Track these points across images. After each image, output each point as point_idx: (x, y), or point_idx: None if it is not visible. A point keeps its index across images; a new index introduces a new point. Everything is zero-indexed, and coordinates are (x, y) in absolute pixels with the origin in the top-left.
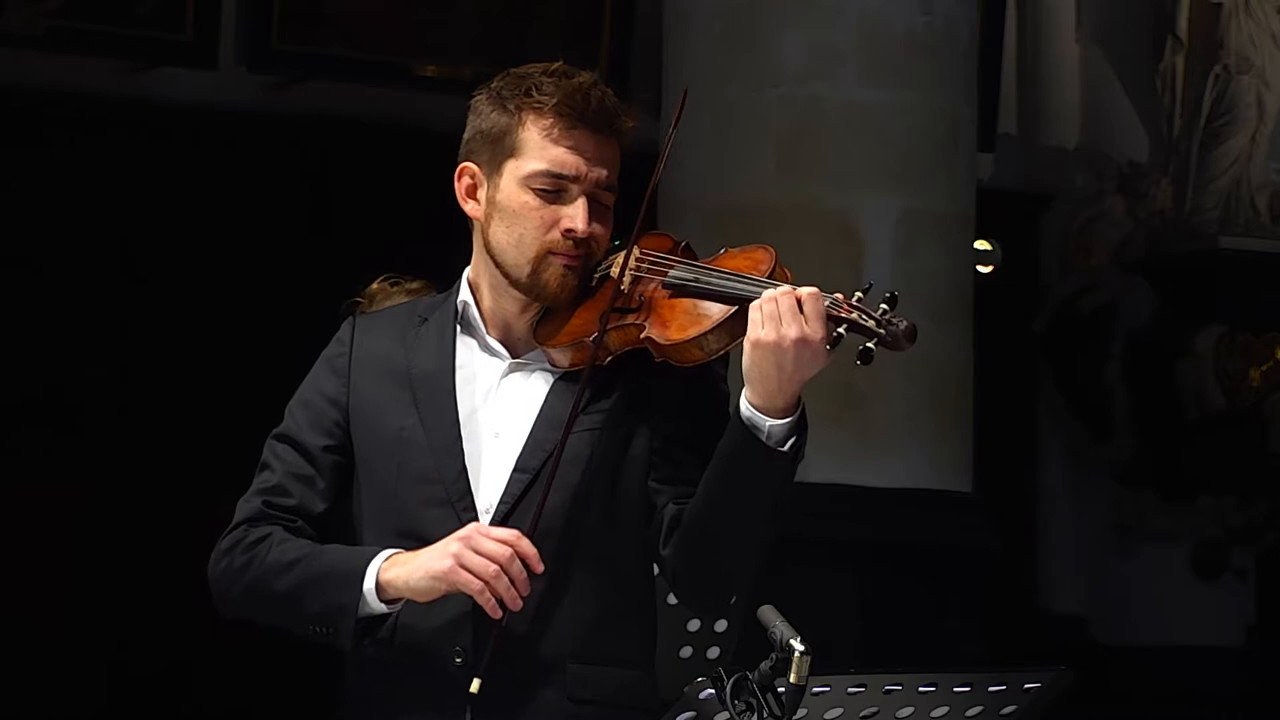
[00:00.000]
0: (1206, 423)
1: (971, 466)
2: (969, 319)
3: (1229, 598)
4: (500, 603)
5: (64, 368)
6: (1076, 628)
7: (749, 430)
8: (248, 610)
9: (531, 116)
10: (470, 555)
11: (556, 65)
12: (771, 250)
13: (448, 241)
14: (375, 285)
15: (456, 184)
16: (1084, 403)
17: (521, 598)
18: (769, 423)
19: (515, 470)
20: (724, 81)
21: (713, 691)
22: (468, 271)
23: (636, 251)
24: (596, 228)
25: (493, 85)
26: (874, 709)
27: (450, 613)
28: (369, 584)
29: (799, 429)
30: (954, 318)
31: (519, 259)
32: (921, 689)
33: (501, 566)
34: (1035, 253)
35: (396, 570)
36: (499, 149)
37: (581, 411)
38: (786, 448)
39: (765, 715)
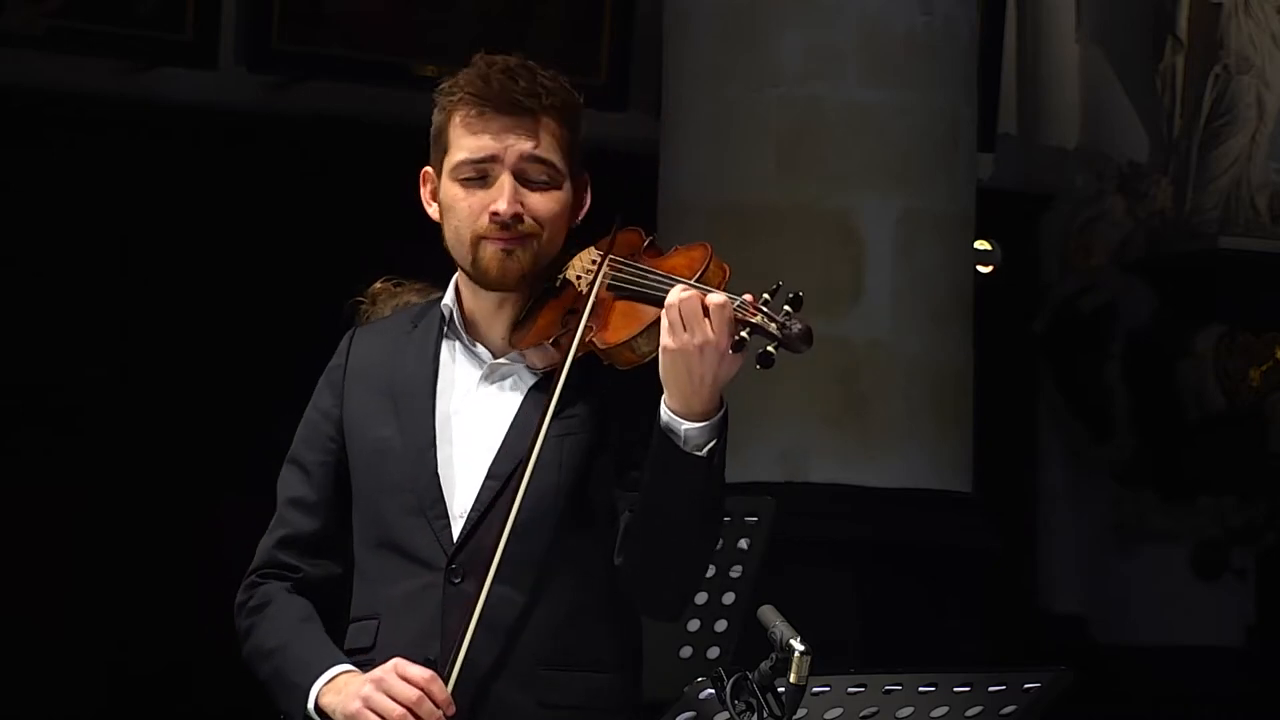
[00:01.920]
0: (1206, 423)
1: (971, 466)
2: (969, 319)
3: (1229, 598)
4: None
5: (64, 368)
6: (1076, 628)
7: (666, 435)
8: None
9: (455, 112)
10: (378, 698)
11: (478, 55)
12: (708, 247)
13: None
14: (377, 285)
15: (421, 191)
16: (1084, 403)
17: None
18: (684, 426)
19: (487, 477)
20: (724, 81)
21: (713, 691)
22: (457, 274)
23: (595, 254)
24: (531, 203)
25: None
26: (874, 709)
27: (421, 624)
28: (311, 704)
29: (719, 433)
30: (954, 318)
31: (461, 251)
32: (921, 689)
33: (409, 709)
34: (1035, 253)
35: (330, 698)
36: (438, 149)
37: (554, 417)
38: (704, 452)
39: (765, 715)
